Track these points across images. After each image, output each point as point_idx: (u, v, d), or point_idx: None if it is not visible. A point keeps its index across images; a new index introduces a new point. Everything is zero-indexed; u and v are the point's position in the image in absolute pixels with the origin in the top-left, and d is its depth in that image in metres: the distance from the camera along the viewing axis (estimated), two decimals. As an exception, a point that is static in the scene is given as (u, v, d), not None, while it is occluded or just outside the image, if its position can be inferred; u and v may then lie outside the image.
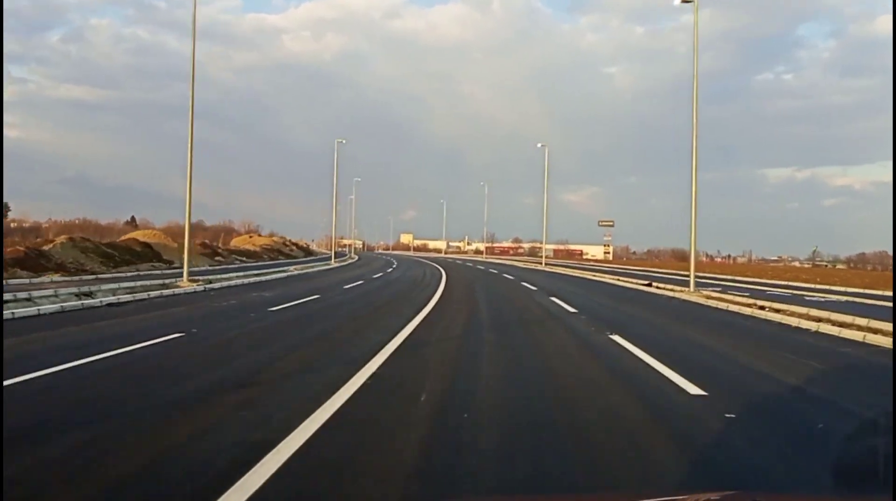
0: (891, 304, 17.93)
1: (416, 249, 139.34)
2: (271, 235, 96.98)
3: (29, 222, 78.09)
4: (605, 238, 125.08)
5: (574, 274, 37.20)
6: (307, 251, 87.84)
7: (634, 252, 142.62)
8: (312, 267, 39.84)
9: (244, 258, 53.45)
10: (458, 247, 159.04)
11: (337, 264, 44.88)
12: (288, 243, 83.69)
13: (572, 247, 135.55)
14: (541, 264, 51.23)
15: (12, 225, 73.10)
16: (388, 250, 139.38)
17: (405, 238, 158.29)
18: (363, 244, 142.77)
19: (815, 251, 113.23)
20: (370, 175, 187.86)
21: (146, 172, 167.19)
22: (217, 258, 48.61)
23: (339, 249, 75.55)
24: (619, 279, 31.29)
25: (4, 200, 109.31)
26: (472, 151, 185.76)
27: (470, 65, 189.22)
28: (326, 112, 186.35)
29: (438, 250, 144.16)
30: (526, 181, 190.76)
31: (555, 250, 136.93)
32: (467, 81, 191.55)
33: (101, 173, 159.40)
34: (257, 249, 64.04)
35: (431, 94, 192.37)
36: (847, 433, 4.93)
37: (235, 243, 69.12)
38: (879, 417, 4.64)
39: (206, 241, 54.63)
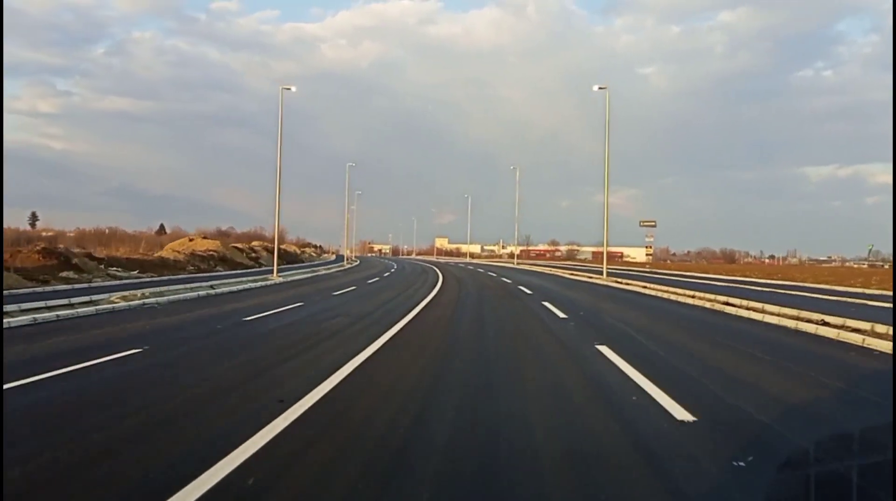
0: None
1: (449, 253, 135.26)
2: (298, 240, 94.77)
3: (52, 230, 76.46)
4: (648, 239, 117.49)
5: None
6: (293, 258, 78.72)
7: (674, 254, 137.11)
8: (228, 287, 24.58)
9: (137, 273, 33.10)
10: (493, 251, 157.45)
11: (288, 279, 32.05)
12: (260, 247, 71.12)
13: (612, 249, 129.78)
14: (584, 271, 46.88)
15: (42, 234, 72.41)
16: (420, 254, 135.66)
17: (440, 242, 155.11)
18: (391, 249, 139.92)
19: (871, 250, 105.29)
20: (406, 181, 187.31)
21: (186, 182, 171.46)
22: (64, 274, 27.78)
23: (357, 254, 72.23)
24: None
25: (33, 209, 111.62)
26: (507, 155, 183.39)
27: (505, 69, 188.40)
28: (363, 119, 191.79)
29: (473, 255, 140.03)
30: (561, 184, 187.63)
31: (593, 253, 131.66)
32: (503, 86, 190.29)
33: (143, 183, 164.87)
34: (181, 257, 45.61)
35: (467, 99, 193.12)
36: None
37: (172, 246, 55.02)
38: None
39: (62, 247, 35.73)
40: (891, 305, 18.55)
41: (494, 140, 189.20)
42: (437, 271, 41.65)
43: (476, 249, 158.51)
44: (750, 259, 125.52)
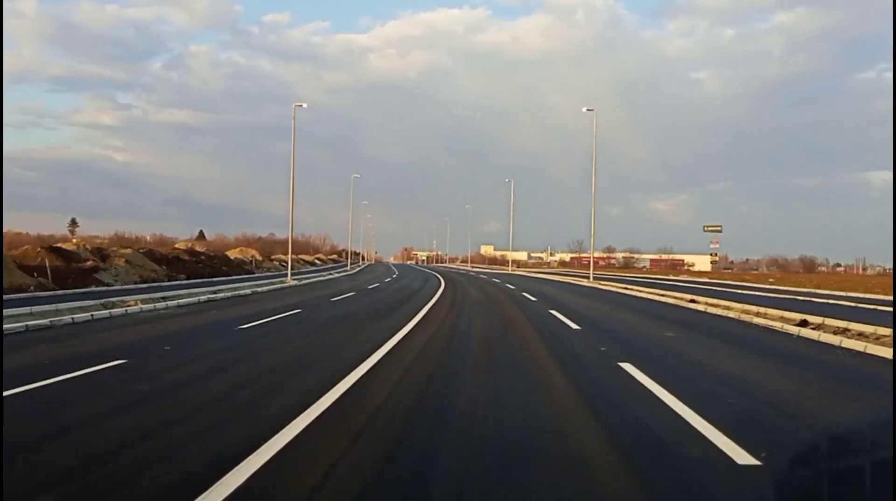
0: None
1: (494, 260, 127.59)
2: (332, 247, 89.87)
3: (88, 238, 72.76)
4: (712, 246, 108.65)
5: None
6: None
7: (732, 261, 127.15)
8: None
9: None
10: (540, 258, 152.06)
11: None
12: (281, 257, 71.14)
13: (674, 256, 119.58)
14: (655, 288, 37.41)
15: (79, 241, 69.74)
16: (463, 262, 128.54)
17: (485, 250, 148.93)
18: (427, 257, 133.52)
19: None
20: (454, 188, 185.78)
21: (239, 191, 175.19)
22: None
23: (394, 261, 69.68)
24: None
25: (73, 216, 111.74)
26: (555, 163, 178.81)
27: (554, 76, 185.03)
28: (412, 127, 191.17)
29: (519, 264, 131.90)
30: (611, 191, 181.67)
31: (652, 260, 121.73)
32: (551, 93, 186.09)
33: (201, 193, 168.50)
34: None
35: (515, 106, 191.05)
36: None
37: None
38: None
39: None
40: None
41: (542, 148, 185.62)
42: (434, 284, 34.39)
43: (522, 256, 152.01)
44: (823, 268, 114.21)
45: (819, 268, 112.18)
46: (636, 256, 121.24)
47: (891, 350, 9.77)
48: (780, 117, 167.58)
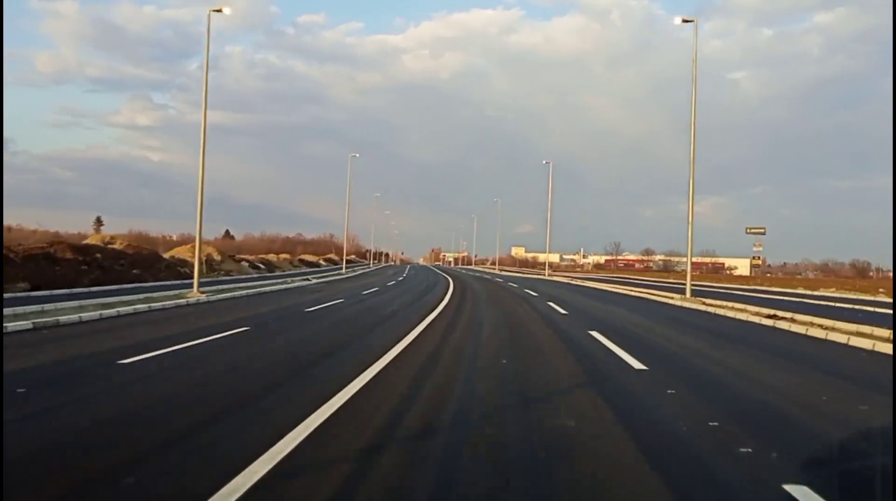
0: None
1: (525, 263, 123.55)
2: (358, 249, 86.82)
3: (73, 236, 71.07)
4: (755, 249, 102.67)
5: None
6: (313, 265, 71.49)
7: (770, 265, 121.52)
8: None
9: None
10: (573, 260, 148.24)
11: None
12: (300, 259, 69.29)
13: (715, 259, 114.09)
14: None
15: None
16: (493, 264, 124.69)
17: (516, 251, 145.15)
18: (455, 258, 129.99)
19: None
20: (486, 190, 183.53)
21: (274, 191, 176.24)
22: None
23: (423, 263, 65.20)
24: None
25: (99, 213, 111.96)
26: (590, 164, 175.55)
27: (588, 77, 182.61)
28: (445, 129, 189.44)
29: (553, 266, 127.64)
30: (646, 193, 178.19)
31: (693, 264, 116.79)
32: (586, 94, 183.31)
33: (237, 193, 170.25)
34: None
35: (549, 108, 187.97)
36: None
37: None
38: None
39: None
40: None
41: (576, 149, 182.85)
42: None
43: (554, 258, 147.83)
44: (872, 273, 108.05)
45: (869, 275, 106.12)
46: (675, 258, 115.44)
47: None
48: (819, 119, 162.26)
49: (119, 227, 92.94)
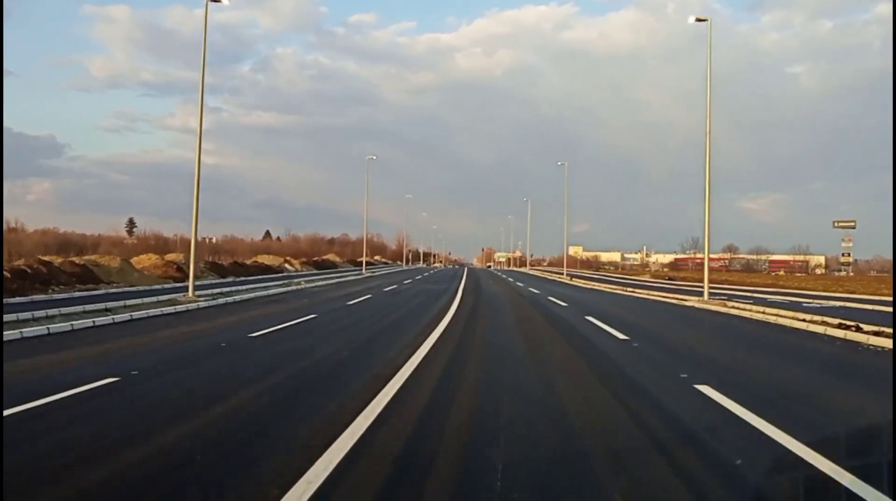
0: None
1: (585, 263, 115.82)
2: (409, 251, 79.56)
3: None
4: (844, 245, 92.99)
5: None
6: (328, 265, 66.10)
7: (857, 262, 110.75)
8: None
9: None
10: (635, 259, 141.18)
11: None
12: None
13: (797, 258, 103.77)
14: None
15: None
16: (551, 264, 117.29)
17: (573, 250, 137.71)
18: (508, 259, 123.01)
19: None
20: (541, 189, 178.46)
21: (325, 192, 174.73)
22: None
23: (478, 263, 57.87)
24: None
25: (137, 215, 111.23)
26: (646, 160, 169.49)
27: (644, 72, 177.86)
28: (497, 127, 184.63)
29: (617, 265, 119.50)
30: (700, 191, 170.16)
31: (771, 263, 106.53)
32: (641, 89, 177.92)
33: (289, 195, 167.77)
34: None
35: (603, 103, 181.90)
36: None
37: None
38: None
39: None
40: None
41: (632, 145, 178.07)
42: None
43: (616, 257, 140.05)
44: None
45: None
46: (760, 257, 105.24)
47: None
48: (882, 112, 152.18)
49: (171, 229, 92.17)
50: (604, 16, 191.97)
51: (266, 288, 26.04)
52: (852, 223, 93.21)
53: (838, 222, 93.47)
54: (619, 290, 32.80)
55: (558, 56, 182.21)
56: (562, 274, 57.23)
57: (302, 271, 53.22)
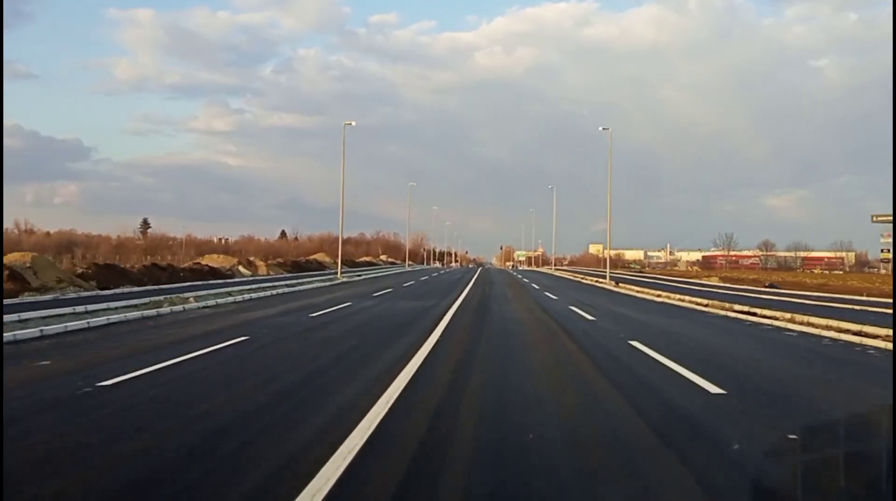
0: None
1: (612, 262, 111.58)
2: (425, 250, 74.20)
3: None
4: (884, 240, 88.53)
5: None
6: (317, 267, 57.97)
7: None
8: None
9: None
10: (658, 257, 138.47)
11: None
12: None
13: (826, 254, 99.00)
14: None
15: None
16: (572, 264, 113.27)
17: (594, 249, 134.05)
18: (528, 258, 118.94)
19: None
20: (561, 187, 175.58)
21: (351, 193, 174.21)
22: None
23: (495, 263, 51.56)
24: None
25: (148, 215, 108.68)
26: (668, 157, 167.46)
27: (665, 68, 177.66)
28: (516, 125, 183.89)
29: (642, 265, 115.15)
30: (722, 188, 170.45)
31: (805, 260, 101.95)
32: (663, 85, 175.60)
33: (312, 196, 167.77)
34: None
35: (624, 100, 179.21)
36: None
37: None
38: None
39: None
40: None
41: (653, 142, 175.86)
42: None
43: (639, 255, 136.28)
44: None
45: None
46: (800, 254, 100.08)
47: None
48: None
49: (199, 231, 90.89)
50: (624, 12, 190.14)
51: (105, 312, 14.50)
52: (890, 218, 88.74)
53: (877, 216, 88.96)
54: (717, 309, 19.23)
55: (579, 53, 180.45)
56: (601, 278, 42.23)
57: (267, 274, 42.46)
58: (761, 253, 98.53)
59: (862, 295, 28.42)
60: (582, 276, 53.84)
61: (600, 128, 45.78)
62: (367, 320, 14.92)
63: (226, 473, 4.18)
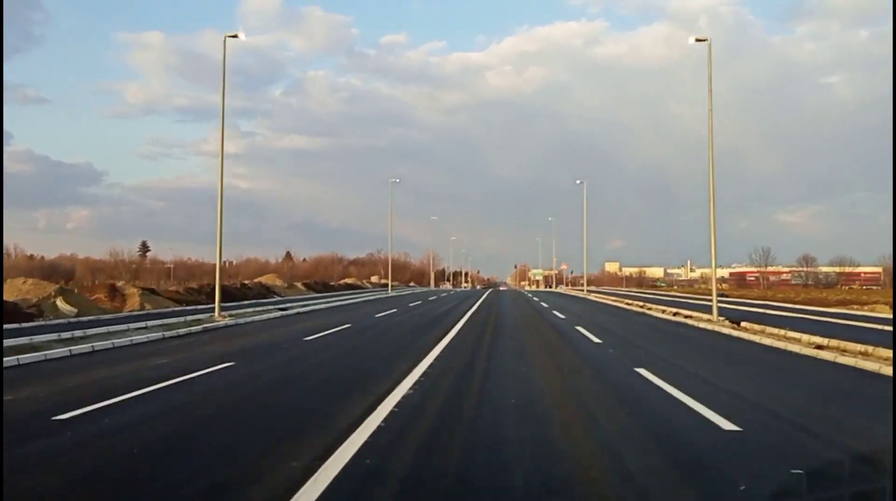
0: None
1: (628, 280, 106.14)
2: (436, 271, 67.91)
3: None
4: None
5: None
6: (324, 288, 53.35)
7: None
8: None
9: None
10: (678, 275, 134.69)
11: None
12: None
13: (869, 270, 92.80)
14: None
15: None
16: (591, 283, 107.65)
17: (610, 267, 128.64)
18: (543, 279, 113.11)
19: None
20: (571, 205, 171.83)
21: (362, 214, 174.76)
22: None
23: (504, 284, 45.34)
24: None
25: (157, 239, 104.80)
26: (681, 174, 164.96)
27: (675, 85, 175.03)
28: (527, 144, 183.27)
29: (669, 282, 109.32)
30: (735, 204, 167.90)
31: (843, 276, 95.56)
32: (673, 102, 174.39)
33: (323, 217, 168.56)
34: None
35: (635, 118, 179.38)
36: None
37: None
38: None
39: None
40: None
41: (665, 159, 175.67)
42: None
43: (659, 272, 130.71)
44: None
45: None
46: (847, 270, 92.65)
47: None
48: None
49: (207, 255, 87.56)
50: (634, 30, 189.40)
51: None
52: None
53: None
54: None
55: (589, 72, 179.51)
56: (667, 306, 29.17)
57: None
58: (801, 268, 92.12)
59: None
60: (637, 304, 32.95)
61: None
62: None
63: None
